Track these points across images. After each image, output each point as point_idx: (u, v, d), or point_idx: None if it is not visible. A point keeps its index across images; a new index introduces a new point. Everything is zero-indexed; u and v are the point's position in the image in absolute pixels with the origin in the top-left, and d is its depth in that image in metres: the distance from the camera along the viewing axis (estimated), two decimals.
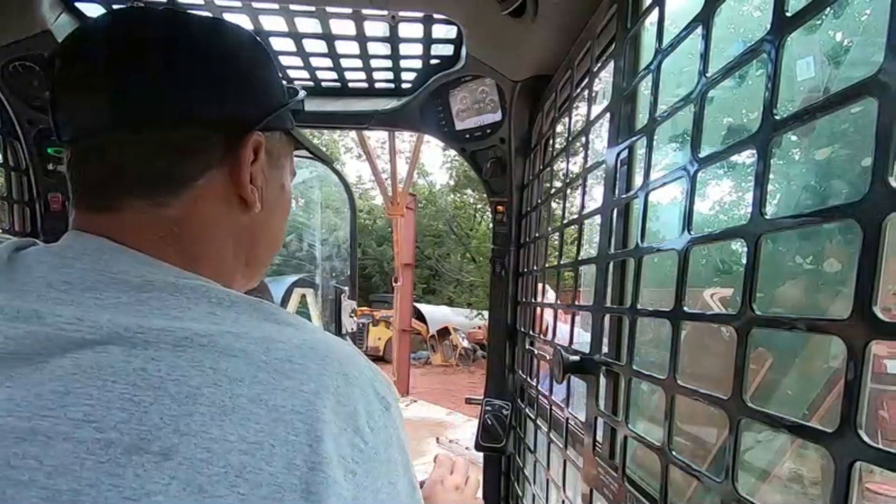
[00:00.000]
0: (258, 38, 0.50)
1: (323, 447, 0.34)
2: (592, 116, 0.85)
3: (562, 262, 0.98)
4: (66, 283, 0.37)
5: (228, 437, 0.32)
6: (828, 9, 0.39)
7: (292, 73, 1.25)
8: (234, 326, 0.37)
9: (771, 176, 0.44)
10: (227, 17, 1.03)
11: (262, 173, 0.49)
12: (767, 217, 0.42)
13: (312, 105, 1.29)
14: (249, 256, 0.51)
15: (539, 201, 1.17)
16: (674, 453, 0.56)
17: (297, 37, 1.08)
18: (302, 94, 0.54)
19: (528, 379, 1.21)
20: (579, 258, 0.90)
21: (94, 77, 0.41)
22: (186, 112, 0.43)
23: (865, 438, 0.32)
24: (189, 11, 0.46)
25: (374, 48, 1.13)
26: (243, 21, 1.04)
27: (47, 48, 1.10)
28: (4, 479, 0.29)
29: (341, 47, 1.12)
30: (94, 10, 1.09)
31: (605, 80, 0.90)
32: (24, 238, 0.43)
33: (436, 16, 1.02)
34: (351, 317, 1.56)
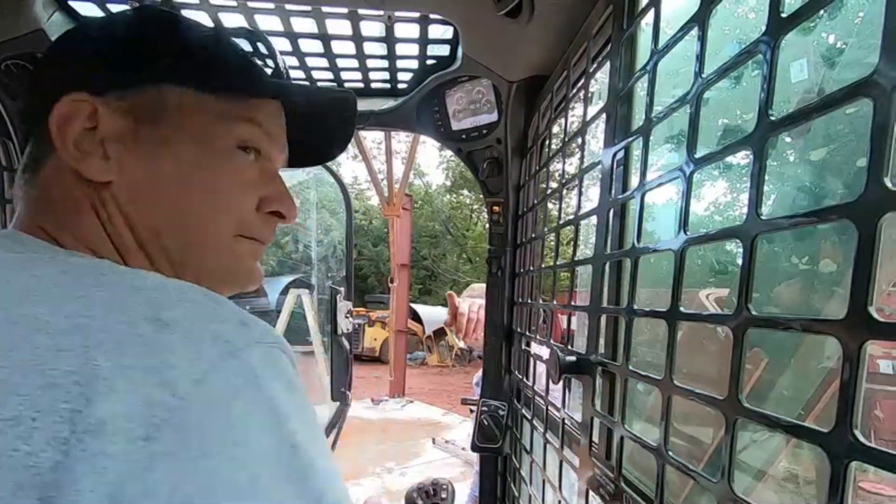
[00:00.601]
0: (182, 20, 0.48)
1: (92, 410, 0.27)
2: (588, 117, 0.85)
3: (558, 263, 0.98)
4: None
5: None
6: (821, 11, 0.39)
7: None
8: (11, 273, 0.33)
9: (766, 177, 0.44)
10: (223, 16, 1.02)
11: (115, 139, 0.44)
12: (763, 217, 0.42)
13: None
14: (145, 240, 0.45)
15: (535, 202, 1.17)
16: (670, 454, 0.56)
17: (293, 36, 1.08)
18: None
19: (525, 379, 1.21)
20: (576, 259, 0.90)
21: None
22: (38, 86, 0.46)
23: (861, 438, 0.32)
24: (181, 14, 0.46)
25: (370, 48, 1.13)
26: (238, 21, 1.04)
27: (40, 47, 1.09)
28: None
29: (337, 47, 1.12)
30: (87, 9, 1.09)
31: (600, 80, 0.90)
32: None
33: (432, 16, 1.02)
34: (346, 317, 1.56)
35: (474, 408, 1.37)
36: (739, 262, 0.46)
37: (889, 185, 0.31)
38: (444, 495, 1.24)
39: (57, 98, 0.43)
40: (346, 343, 1.59)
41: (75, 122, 0.43)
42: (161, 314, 0.31)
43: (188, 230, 0.46)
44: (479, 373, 2.18)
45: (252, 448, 0.30)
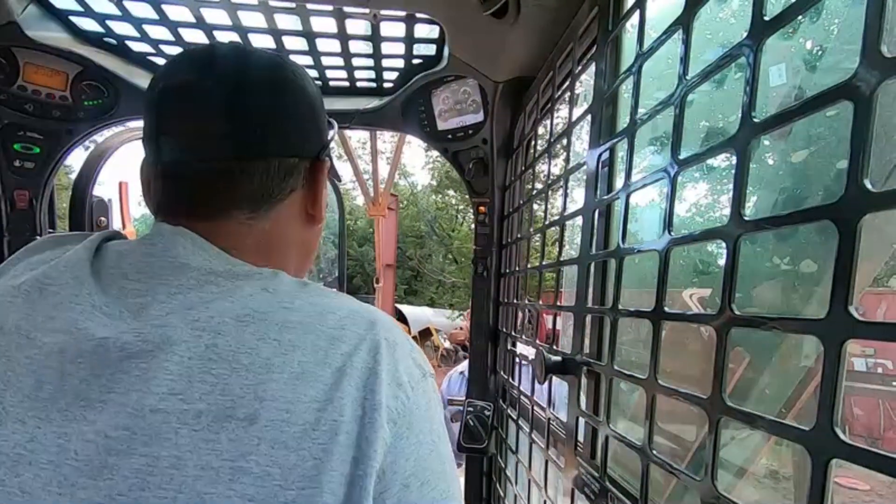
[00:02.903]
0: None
1: (376, 397, 0.39)
2: (574, 118, 0.85)
3: (544, 263, 0.99)
4: (140, 273, 0.42)
5: (301, 398, 0.37)
6: (800, 16, 0.40)
7: None
8: (286, 302, 0.42)
9: (748, 178, 0.45)
10: (205, 11, 1.00)
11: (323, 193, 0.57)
12: (746, 218, 0.43)
13: None
14: (300, 266, 0.58)
15: (521, 202, 1.17)
16: (655, 453, 0.57)
17: (277, 33, 1.07)
18: (335, 124, 0.62)
19: (510, 380, 1.21)
20: (561, 259, 0.90)
21: (215, 113, 0.48)
22: (286, 143, 0.51)
23: (842, 436, 0.33)
24: (278, 55, 0.54)
25: (355, 46, 1.12)
26: (222, 17, 1.02)
27: (14, 40, 1.06)
28: (105, 450, 0.34)
29: (322, 45, 1.11)
30: (61, 2, 1.06)
31: (585, 82, 0.91)
32: (111, 230, 0.50)
33: (418, 15, 1.01)
34: None
35: (460, 407, 1.37)
36: (721, 262, 0.47)
37: (869, 186, 0.31)
38: None
39: (314, 157, 0.54)
40: None
41: (324, 179, 0.56)
42: (389, 335, 0.44)
43: (313, 258, 0.62)
44: (454, 370, 2.18)
45: (441, 450, 0.44)
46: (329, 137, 0.58)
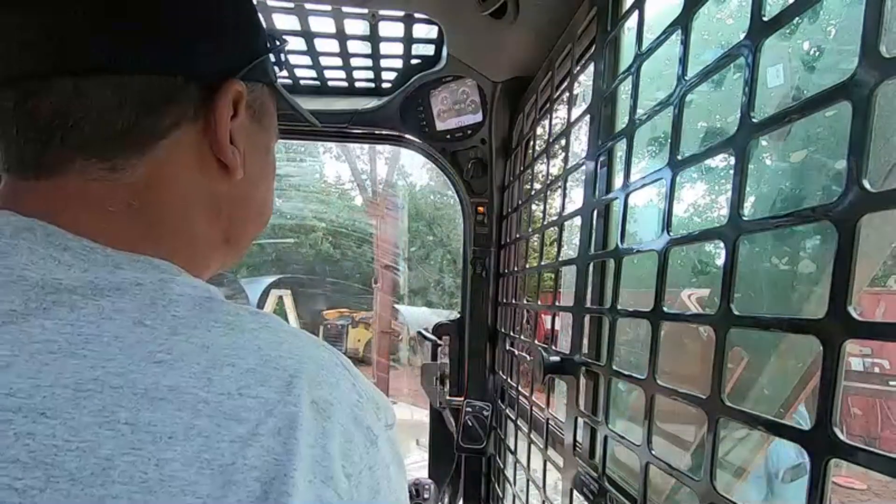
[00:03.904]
0: None
1: None
2: (572, 118, 0.85)
3: (542, 264, 0.99)
4: None
5: None
6: (798, 17, 0.40)
7: None
8: (163, 347, 0.28)
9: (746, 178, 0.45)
10: None
11: (244, 132, 0.41)
12: (745, 218, 0.43)
13: None
14: (230, 232, 0.42)
15: (520, 202, 1.17)
16: (653, 453, 0.57)
17: (275, 33, 1.06)
18: (285, 42, 0.47)
19: (509, 380, 1.21)
20: (560, 259, 0.90)
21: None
22: (157, 53, 0.35)
23: (841, 436, 0.33)
24: None
25: (353, 46, 1.11)
26: None
27: None
28: None
29: (320, 45, 1.11)
30: None
31: (584, 83, 0.91)
32: None
33: (417, 15, 1.01)
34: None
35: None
36: (719, 262, 0.47)
37: (868, 186, 0.31)
38: (426, 496, 1.23)
39: (214, 79, 0.38)
40: None
41: (239, 107, 0.40)
42: (317, 394, 0.30)
43: (256, 222, 0.47)
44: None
45: None
46: (256, 55, 0.41)
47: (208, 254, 0.42)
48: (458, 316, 1.41)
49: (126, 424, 0.25)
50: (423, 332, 1.44)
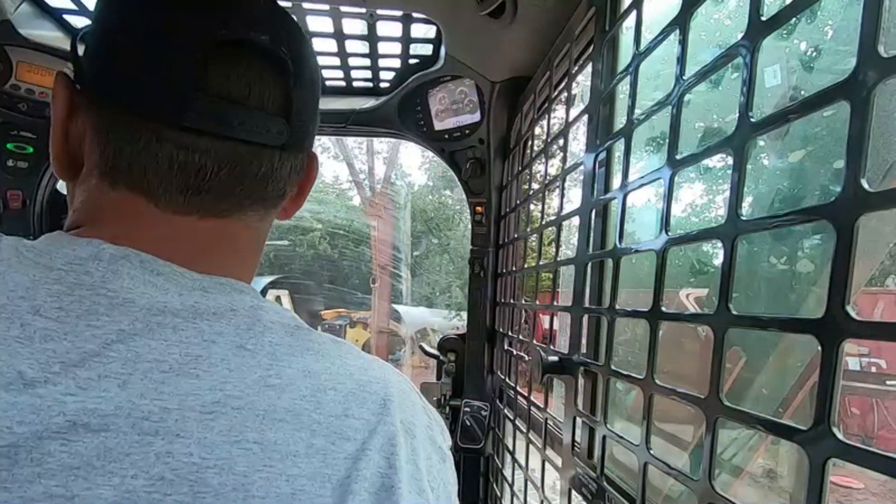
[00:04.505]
0: None
1: None
2: (571, 118, 0.85)
3: (541, 263, 0.99)
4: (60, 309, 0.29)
5: None
6: (797, 16, 0.40)
7: None
8: (271, 371, 0.31)
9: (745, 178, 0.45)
10: None
11: None
12: (743, 218, 0.43)
13: None
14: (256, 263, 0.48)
15: (518, 202, 1.17)
16: (652, 452, 0.57)
17: None
18: None
19: (507, 380, 1.21)
20: (558, 259, 0.90)
21: (280, 81, 0.37)
22: (313, 133, 0.43)
23: (839, 436, 0.33)
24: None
25: (351, 46, 1.11)
26: None
27: (6, 38, 1.05)
28: None
29: (318, 44, 1.10)
30: (57, 0, 1.05)
31: (582, 83, 0.91)
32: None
33: (415, 15, 1.01)
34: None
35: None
36: (717, 262, 0.47)
37: (866, 186, 0.31)
38: None
39: (309, 146, 0.44)
40: None
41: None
42: (407, 417, 0.36)
43: None
44: None
45: None
46: None
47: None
48: (458, 321, 1.41)
49: (255, 444, 0.28)
50: (425, 346, 1.43)
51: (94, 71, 0.37)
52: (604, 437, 0.69)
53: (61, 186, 1.28)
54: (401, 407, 0.35)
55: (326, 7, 0.97)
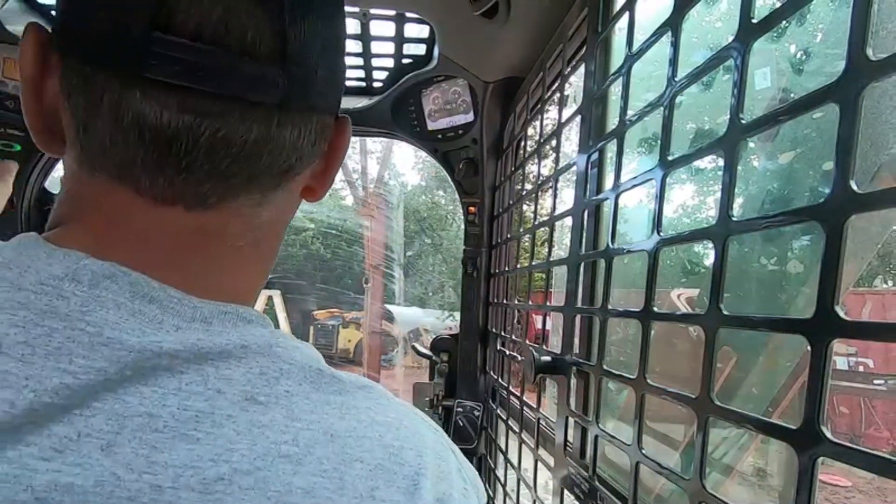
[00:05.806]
0: None
1: None
2: (563, 119, 0.86)
3: (533, 264, 0.99)
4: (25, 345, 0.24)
5: None
6: (784, 22, 0.40)
7: None
8: (287, 435, 0.27)
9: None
10: None
11: None
12: (734, 219, 0.43)
13: None
14: (272, 261, 0.38)
15: (511, 202, 1.17)
16: (643, 452, 0.57)
17: None
18: None
19: (500, 380, 1.21)
20: (550, 259, 0.91)
21: (269, 16, 0.28)
22: (335, 91, 0.34)
23: (828, 435, 0.33)
24: None
25: None
26: None
27: None
28: None
29: None
30: None
31: (575, 84, 0.91)
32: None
33: (408, 14, 1.01)
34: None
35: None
36: (708, 263, 0.47)
37: (855, 187, 0.32)
38: None
39: (337, 114, 0.36)
40: None
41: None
42: (438, 484, 0.32)
43: None
44: None
45: None
46: None
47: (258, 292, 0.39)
48: (451, 321, 1.41)
49: None
50: (417, 347, 1.43)
51: (57, 14, 0.30)
52: (596, 437, 0.70)
53: (50, 185, 1.26)
54: (436, 479, 0.31)
55: None
